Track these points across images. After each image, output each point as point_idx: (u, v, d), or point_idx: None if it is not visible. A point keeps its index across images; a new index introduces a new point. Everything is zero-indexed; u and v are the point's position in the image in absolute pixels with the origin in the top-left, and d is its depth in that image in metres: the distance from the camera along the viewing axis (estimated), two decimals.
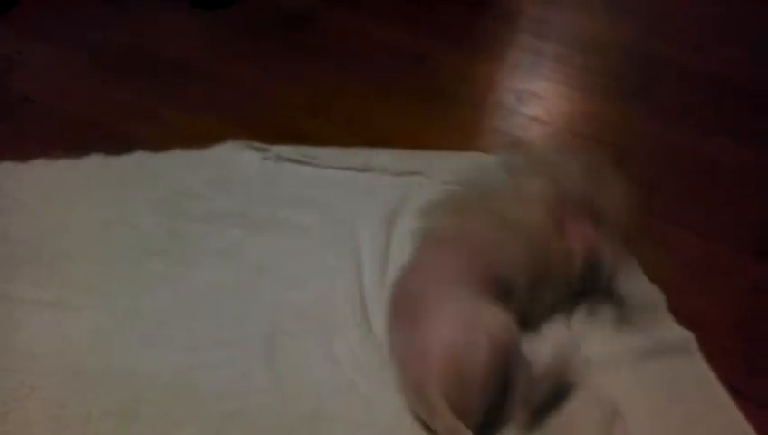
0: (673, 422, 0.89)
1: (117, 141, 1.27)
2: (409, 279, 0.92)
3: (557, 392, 0.85)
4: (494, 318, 0.80)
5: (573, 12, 1.95)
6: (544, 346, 0.89)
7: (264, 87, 1.50)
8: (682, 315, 1.01)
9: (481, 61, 1.69)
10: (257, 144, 1.32)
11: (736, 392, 0.92)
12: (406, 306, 0.87)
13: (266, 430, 0.83)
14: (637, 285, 1.06)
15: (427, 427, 0.81)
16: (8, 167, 1.21)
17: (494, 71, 1.69)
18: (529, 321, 0.94)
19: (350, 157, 1.30)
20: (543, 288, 0.94)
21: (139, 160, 1.26)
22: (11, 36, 1.58)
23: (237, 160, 1.29)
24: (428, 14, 1.85)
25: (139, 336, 0.93)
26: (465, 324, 0.78)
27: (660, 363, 0.96)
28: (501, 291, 0.88)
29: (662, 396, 0.92)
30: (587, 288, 0.99)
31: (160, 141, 1.29)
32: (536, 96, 1.57)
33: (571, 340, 0.96)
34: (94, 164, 1.24)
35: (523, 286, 0.92)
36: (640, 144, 1.46)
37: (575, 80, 1.64)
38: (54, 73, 1.49)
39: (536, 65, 1.70)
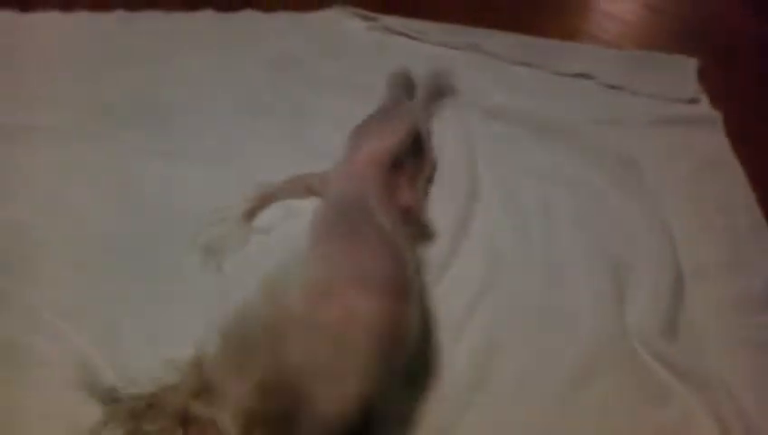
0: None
1: None
2: None
3: None
4: None
5: None
6: None
7: None
8: None
9: None
10: (365, 12, 1.28)
11: None
12: None
13: None
14: None
15: None
16: (121, 16, 1.24)
17: None
18: None
19: (459, 35, 1.25)
20: None
21: (248, 19, 1.26)
22: None
23: (342, 27, 1.27)
24: None
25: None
26: None
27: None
28: None
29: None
30: None
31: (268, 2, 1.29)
32: None
33: None
34: (206, 18, 1.24)
35: None
36: None
37: None
38: None
39: None
